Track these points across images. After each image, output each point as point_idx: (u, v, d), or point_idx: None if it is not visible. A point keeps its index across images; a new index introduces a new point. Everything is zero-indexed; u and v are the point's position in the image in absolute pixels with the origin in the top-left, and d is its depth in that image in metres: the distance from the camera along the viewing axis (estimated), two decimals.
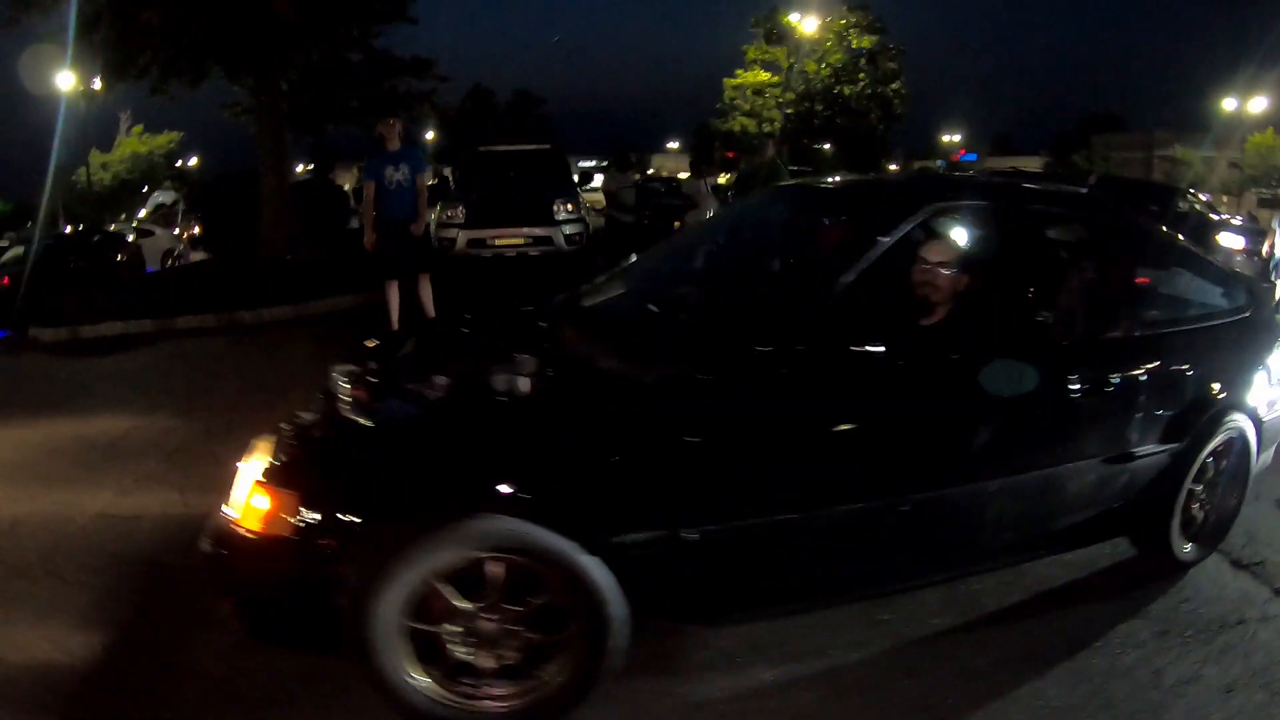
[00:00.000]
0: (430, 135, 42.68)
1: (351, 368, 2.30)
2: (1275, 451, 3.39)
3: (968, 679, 2.28)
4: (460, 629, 1.88)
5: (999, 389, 2.28)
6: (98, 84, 15.98)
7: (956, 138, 54.04)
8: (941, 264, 2.62)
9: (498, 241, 9.41)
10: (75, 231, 17.50)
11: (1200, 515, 3.00)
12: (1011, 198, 3.14)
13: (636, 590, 1.89)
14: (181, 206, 25.15)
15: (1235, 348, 3.03)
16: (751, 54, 36.06)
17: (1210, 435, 2.84)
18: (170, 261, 16.89)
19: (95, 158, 33.94)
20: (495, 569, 1.84)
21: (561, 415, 2.00)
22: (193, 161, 41.67)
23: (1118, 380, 2.58)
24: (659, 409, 1.99)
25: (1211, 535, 3.05)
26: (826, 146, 37.38)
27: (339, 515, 1.81)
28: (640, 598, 1.91)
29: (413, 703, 1.86)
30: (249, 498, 1.88)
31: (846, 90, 33.90)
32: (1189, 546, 2.95)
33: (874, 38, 33.68)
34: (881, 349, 2.17)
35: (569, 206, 9.69)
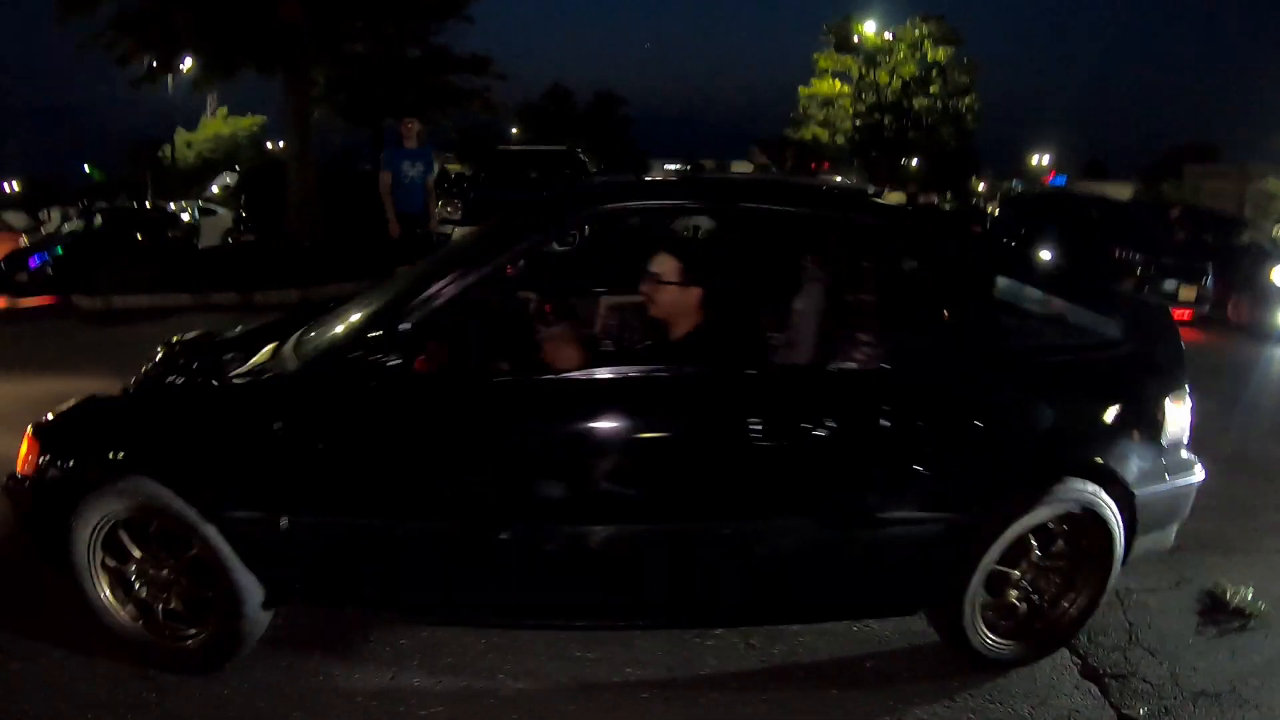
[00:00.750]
0: (514, 131, 43.95)
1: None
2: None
3: None
4: (135, 570, 2.29)
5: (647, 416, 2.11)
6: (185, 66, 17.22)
7: (1046, 159, 52.41)
8: (659, 277, 2.43)
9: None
10: (132, 207, 18.73)
11: (1023, 607, 2.44)
12: (721, 198, 2.63)
13: (255, 565, 2.18)
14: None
15: (1085, 393, 2.44)
16: (823, 63, 35.79)
17: (1027, 506, 2.28)
18: (228, 240, 17.94)
19: (181, 136, 36.23)
20: (152, 523, 2.23)
21: (193, 402, 2.39)
22: (282, 145, 43.84)
23: (843, 422, 2.15)
24: (251, 405, 2.25)
25: (1046, 634, 2.48)
26: (914, 163, 36.97)
27: (55, 462, 2.27)
28: (261, 574, 2.20)
29: (111, 622, 2.30)
30: (23, 447, 2.36)
31: (918, 103, 33.30)
32: (1003, 643, 2.42)
33: (949, 49, 32.97)
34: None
35: None
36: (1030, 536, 2.37)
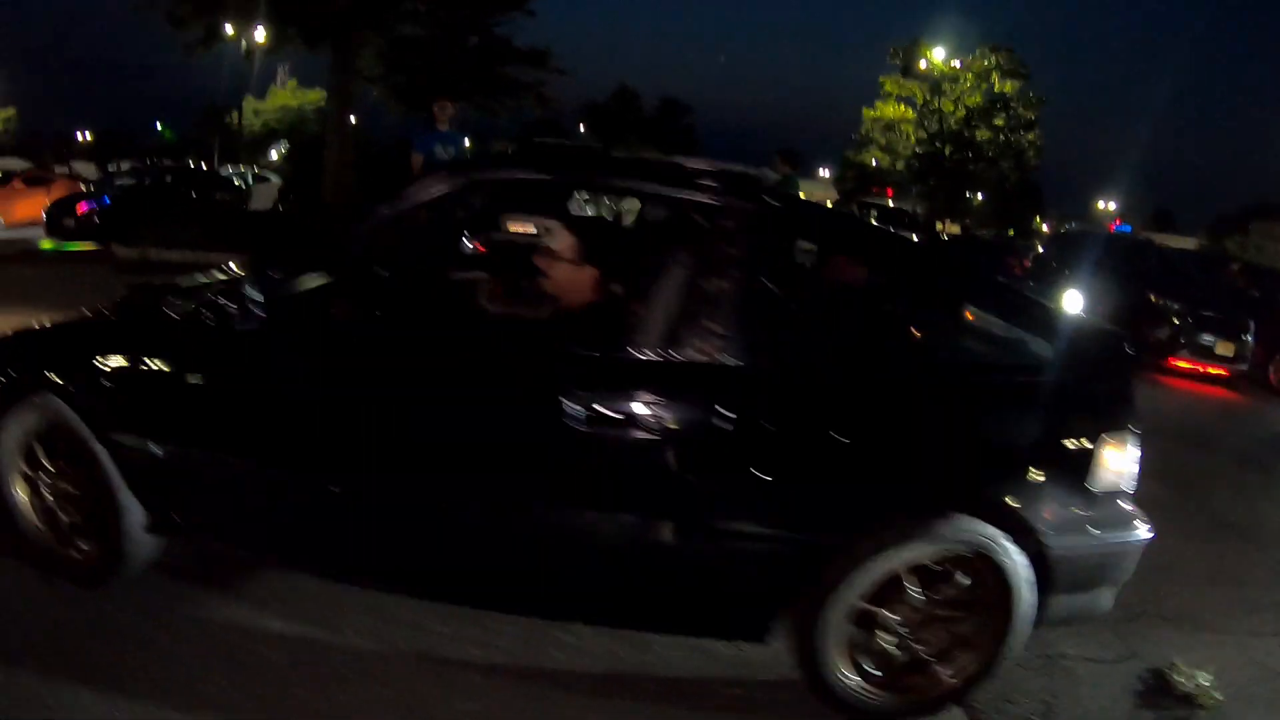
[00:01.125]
0: (581, 129, 44.81)
1: None
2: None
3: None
4: (45, 481, 2.43)
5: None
6: (260, 37, 17.95)
7: (1112, 205, 51.17)
8: (553, 252, 2.42)
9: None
10: (186, 166, 19.56)
11: (901, 655, 2.14)
12: (573, 171, 2.65)
13: (137, 489, 2.28)
14: None
15: (989, 419, 2.20)
16: (888, 86, 35.41)
17: (900, 539, 2.04)
18: (277, 206, 18.62)
19: (249, 104, 37.54)
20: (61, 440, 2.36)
21: (96, 334, 2.51)
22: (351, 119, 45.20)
23: (671, 416, 2.01)
24: (138, 340, 2.37)
25: (930, 691, 2.18)
26: (978, 197, 36.46)
27: None
28: (143, 498, 2.29)
29: (23, 526, 2.45)
30: None
31: (980, 135, 32.72)
32: (875, 692, 2.14)
33: (1016, 83, 32.33)
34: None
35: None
36: (907, 576, 2.07)
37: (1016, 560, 2.06)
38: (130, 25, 12.14)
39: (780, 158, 7.77)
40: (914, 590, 2.09)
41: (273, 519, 2.34)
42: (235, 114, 33.99)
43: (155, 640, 2.23)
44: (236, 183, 19.27)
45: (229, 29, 12.31)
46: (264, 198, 18.65)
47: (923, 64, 33.16)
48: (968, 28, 32.69)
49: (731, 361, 2.05)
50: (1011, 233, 35.76)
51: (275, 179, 20.78)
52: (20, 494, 2.46)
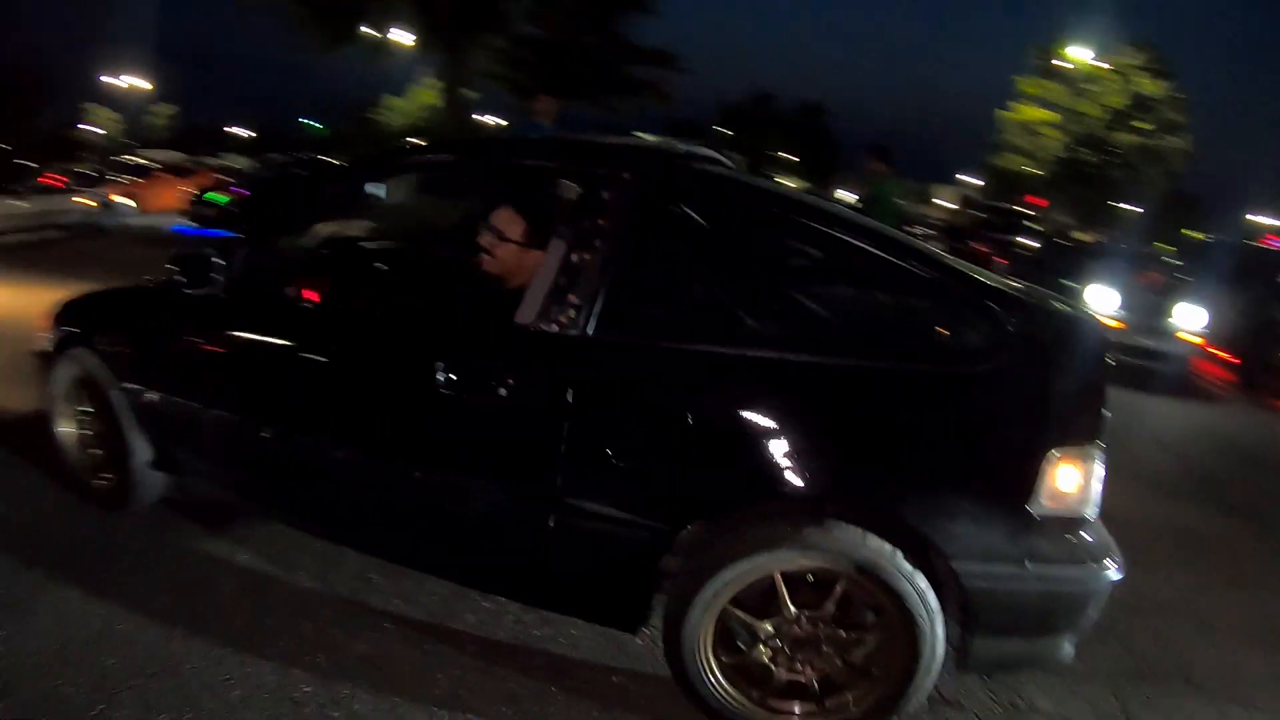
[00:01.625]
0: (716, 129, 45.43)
1: None
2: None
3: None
4: (81, 419, 2.96)
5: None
6: (409, 40, 19.16)
7: (1271, 221, 46.01)
8: (499, 232, 2.44)
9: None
10: (319, 159, 21.18)
11: (777, 671, 1.99)
12: (481, 155, 2.76)
13: (145, 429, 2.72)
14: None
15: (885, 415, 1.90)
16: (1026, 88, 33.36)
17: (768, 544, 1.87)
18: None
19: (395, 103, 40.07)
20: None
21: (120, 299, 3.03)
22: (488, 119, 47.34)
23: (518, 384, 1.99)
24: (142, 304, 2.90)
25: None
26: (1126, 205, 34.01)
27: (53, 332, 2.98)
28: (150, 438, 2.73)
29: (66, 459, 3.02)
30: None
31: (1124, 139, 30.26)
32: (748, 707, 2.01)
33: (1161, 84, 29.61)
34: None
35: None
36: (784, 585, 1.91)
37: (916, 585, 1.81)
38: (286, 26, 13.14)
39: (870, 155, 6.66)
40: (790, 604, 1.92)
41: (227, 461, 2.72)
42: (378, 111, 36.54)
43: (141, 558, 2.66)
44: None
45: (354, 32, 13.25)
46: (399, 192, 19.97)
47: (1062, 64, 31.01)
48: (1112, 26, 29.97)
49: (588, 334, 1.98)
50: (1158, 245, 32.93)
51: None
52: (65, 431, 2.99)
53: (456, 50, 13.65)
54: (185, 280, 2.55)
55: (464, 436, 2.12)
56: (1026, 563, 1.82)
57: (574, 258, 2.04)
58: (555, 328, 2.00)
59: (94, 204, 12.86)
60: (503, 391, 2.00)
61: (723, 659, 1.99)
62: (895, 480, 1.87)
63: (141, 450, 2.76)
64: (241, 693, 2.05)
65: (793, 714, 1.98)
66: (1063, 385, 1.88)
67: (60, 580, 2.45)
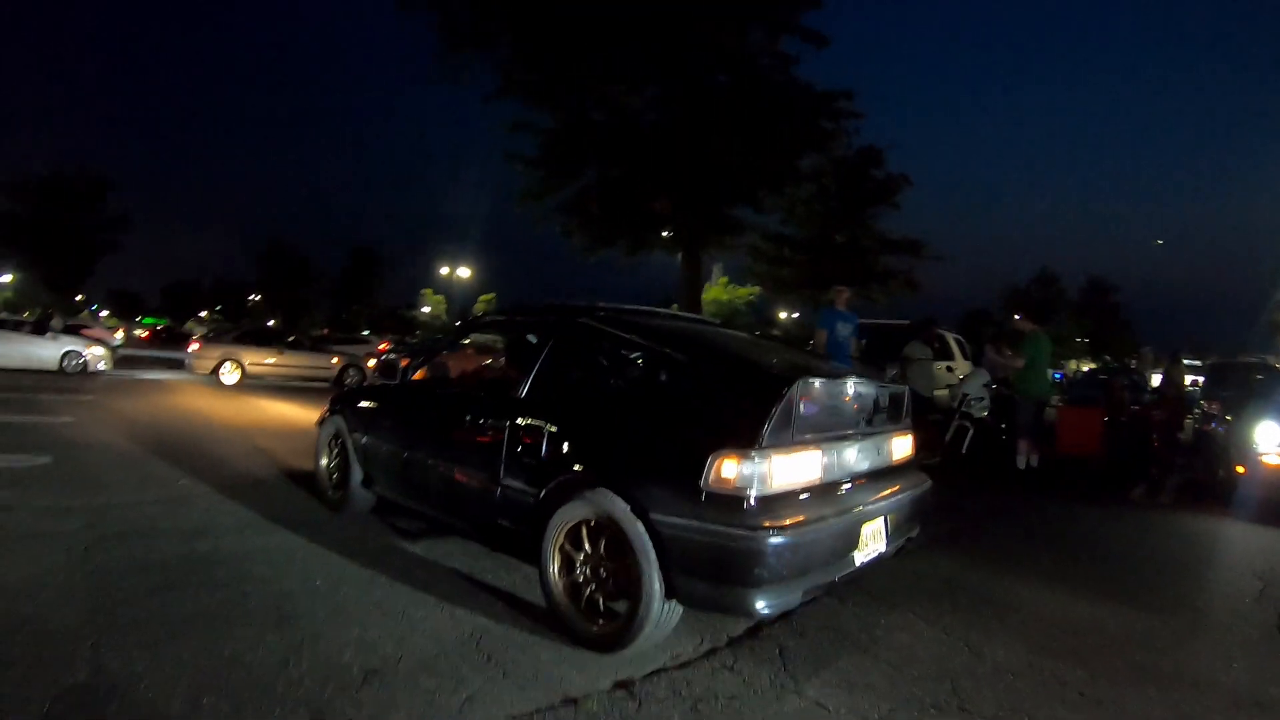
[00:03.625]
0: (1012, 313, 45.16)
1: None
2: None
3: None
4: (330, 455, 5.35)
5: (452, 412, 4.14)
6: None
7: None
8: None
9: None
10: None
11: (584, 585, 3.20)
12: (507, 325, 4.94)
13: (360, 460, 4.92)
14: None
15: (621, 429, 3.27)
16: None
17: (570, 500, 3.20)
18: None
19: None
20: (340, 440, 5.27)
21: (356, 390, 5.39)
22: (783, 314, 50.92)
23: (487, 412, 3.78)
24: (362, 393, 5.18)
25: (605, 620, 3.11)
26: None
27: (326, 411, 5.44)
28: (361, 466, 4.90)
29: (317, 482, 5.43)
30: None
31: None
32: (570, 608, 3.21)
33: None
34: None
35: (894, 373, 10.67)
36: (583, 527, 3.17)
37: (638, 530, 2.93)
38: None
39: (1022, 317, 8.84)
40: (588, 540, 3.15)
41: (390, 474, 4.67)
42: (675, 307, 41.67)
43: (349, 534, 4.69)
44: None
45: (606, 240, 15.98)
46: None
47: None
48: None
49: (523, 396, 3.70)
50: None
51: None
52: (322, 463, 5.31)
53: (694, 254, 16.15)
54: (383, 377, 4.84)
55: (478, 452, 3.78)
56: (698, 521, 2.81)
57: (529, 366, 3.86)
58: (511, 394, 3.81)
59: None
60: (496, 423, 3.75)
61: (563, 579, 3.27)
62: (627, 467, 3.10)
63: (357, 474, 4.94)
64: (409, 613, 3.76)
65: (595, 618, 3.15)
66: (730, 408, 3.04)
67: (316, 541, 4.49)
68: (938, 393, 9.91)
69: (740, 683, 2.95)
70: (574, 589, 3.25)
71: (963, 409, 9.40)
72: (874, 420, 3.50)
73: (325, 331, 49.75)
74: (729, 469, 2.80)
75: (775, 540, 2.75)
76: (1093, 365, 42.96)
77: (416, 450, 4.32)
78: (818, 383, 3.13)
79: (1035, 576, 4.51)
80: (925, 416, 8.93)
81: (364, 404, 5.00)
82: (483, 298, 65.90)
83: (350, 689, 2.69)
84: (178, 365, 18.11)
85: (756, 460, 2.80)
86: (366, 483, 4.87)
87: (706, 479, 2.82)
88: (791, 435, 2.93)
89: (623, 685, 2.86)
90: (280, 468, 6.65)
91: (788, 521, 2.81)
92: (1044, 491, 7.62)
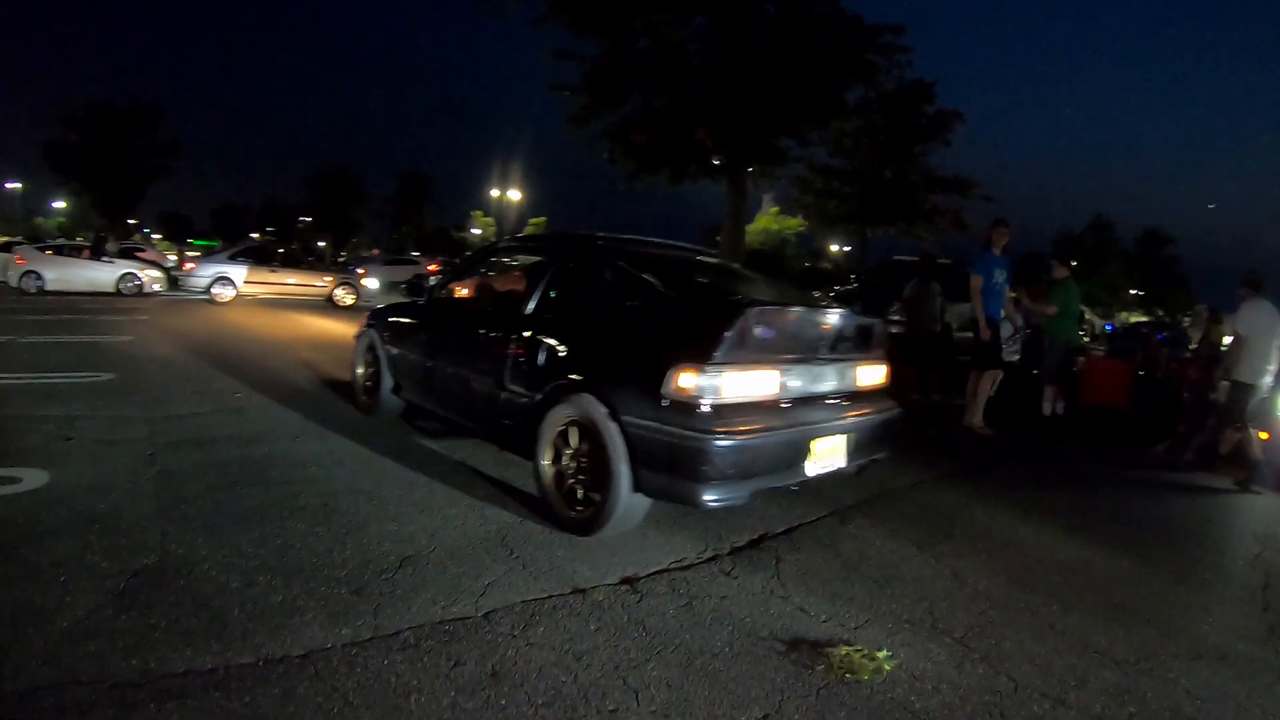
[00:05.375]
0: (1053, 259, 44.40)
1: None
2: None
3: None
4: (366, 362, 5.77)
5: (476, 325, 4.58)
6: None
7: None
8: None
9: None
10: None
11: (570, 474, 3.65)
12: (521, 250, 5.26)
13: (390, 371, 5.38)
14: None
15: (599, 345, 3.73)
16: None
17: (559, 403, 3.66)
18: None
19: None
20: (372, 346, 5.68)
21: (390, 306, 5.74)
22: (834, 247, 50.21)
23: (492, 334, 4.27)
24: (397, 307, 5.57)
25: (582, 505, 3.57)
26: None
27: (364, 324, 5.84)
28: (391, 375, 5.38)
29: (353, 385, 5.85)
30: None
31: None
32: (556, 495, 3.70)
33: None
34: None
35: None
36: (569, 428, 3.63)
37: (610, 429, 3.37)
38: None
39: (1056, 263, 8.72)
40: (574, 438, 3.61)
41: (415, 381, 5.15)
42: (719, 237, 41.27)
43: (378, 434, 5.15)
44: None
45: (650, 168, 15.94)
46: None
47: None
48: None
49: (528, 313, 4.18)
50: None
51: None
52: (357, 371, 5.79)
53: (739, 182, 16.07)
54: (411, 295, 5.24)
55: (488, 362, 4.26)
56: (657, 423, 3.23)
57: (534, 287, 4.30)
58: (528, 311, 4.23)
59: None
60: (504, 336, 4.21)
61: (551, 470, 3.74)
62: (606, 376, 3.52)
63: (386, 382, 5.40)
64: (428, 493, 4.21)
65: (574, 505, 3.61)
66: (686, 334, 3.37)
67: (352, 438, 5.02)
68: (959, 335, 9.88)
69: (734, 585, 3.26)
70: (559, 478, 3.73)
71: None
72: (838, 348, 3.77)
73: (374, 251, 50.36)
74: (686, 380, 3.20)
75: (722, 443, 3.14)
76: (1144, 318, 41.81)
77: (438, 360, 4.77)
78: (773, 310, 3.52)
79: (1037, 517, 4.69)
80: (929, 355, 9.07)
81: (394, 319, 5.42)
82: (533, 220, 65.62)
83: (387, 573, 3.06)
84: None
85: (710, 374, 3.20)
86: (396, 390, 5.34)
87: (667, 388, 3.23)
88: (746, 355, 3.32)
89: (627, 580, 3.20)
90: (324, 379, 7.20)
91: (737, 429, 3.20)
92: (1064, 439, 7.70)
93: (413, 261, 30.19)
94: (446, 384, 4.72)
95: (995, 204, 23.62)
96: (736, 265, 5.47)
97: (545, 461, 3.76)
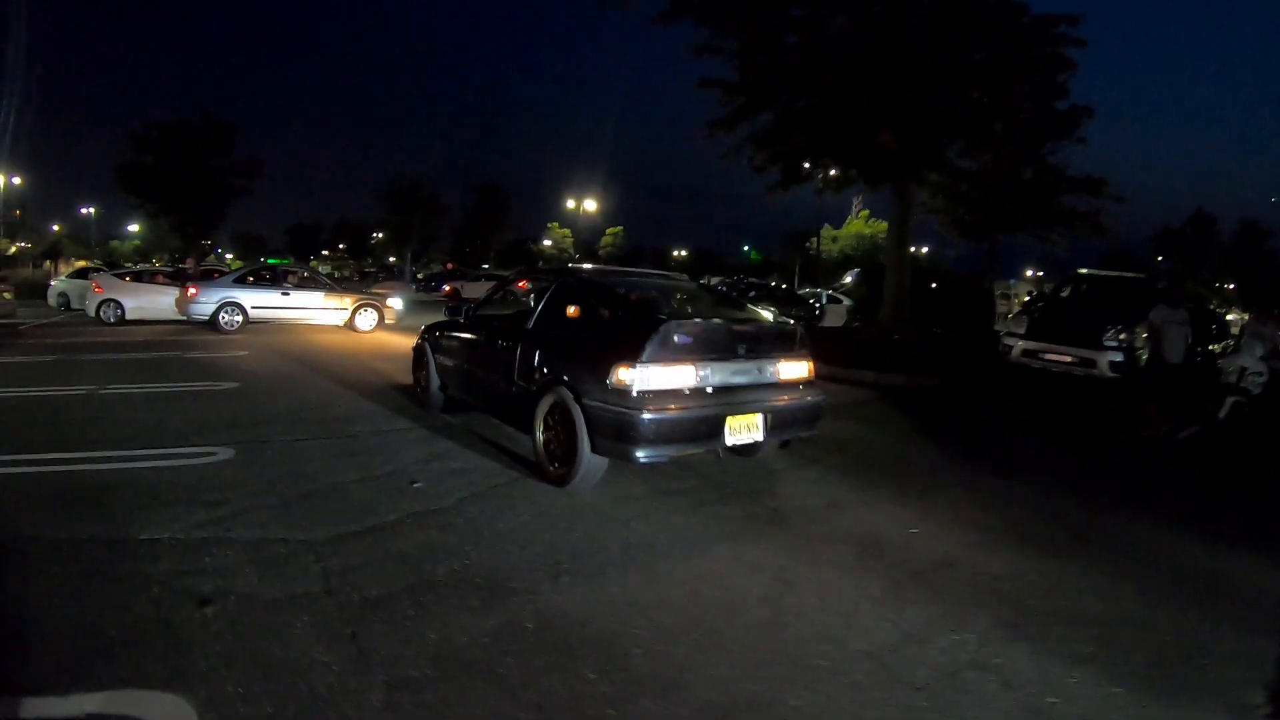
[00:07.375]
0: (1159, 259, 41.59)
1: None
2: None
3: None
4: (422, 370, 6.95)
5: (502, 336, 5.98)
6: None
7: None
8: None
9: (1046, 356, 11.10)
10: (766, 286, 23.70)
11: (553, 443, 5.10)
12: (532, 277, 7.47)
13: (440, 376, 7.03)
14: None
15: (572, 353, 5.08)
16: None
17: (549, 392, 5.07)
18: (847, 325, 21.26)
19: (826, 232, 44.04)
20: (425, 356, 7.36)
21: (441, 322, 7.36)
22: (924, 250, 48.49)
23: (505, 337, 5.79)
24: (444, 324, 7.27)
25: (561, 466, 4.96)
26: None
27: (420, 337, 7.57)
28: (441, 381, 7.02)
29: (416, 384, 6.28)
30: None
31: None
32: (544, 459, 5.11)
33: None
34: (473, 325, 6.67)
35: (1121, 336, 10.49)
36: (553, 409, 5.11)
37: (576, 410, 4.87)
38: (715, 161, 15.90)
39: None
40: (555, 416, 5.17)
41: (456, 382, 6.78)
42: (815, 241, 40.27)
43: (425, 421, 6.75)
44: (811, 302, 22.93)
45: (801, 174, 15.20)
46: (834, 317, 21.98)
47: None
48: None
49: (530, 328, 5.87)
50: None
51: (847, 301, 23.88)
52: (418, 375, 7.59)
53: (903, 187, 15.17)
54: (451, 314, 6.91)
55: (502, 363, 5.88)
56: (605, 404, 4.70)
57: (534, 308, 6.06)
58: (529, 326, 6.04)
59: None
60: (513, 345, 5.87)
61: (541, 439, 5.30)
62: (576, 374, 5.01)
63: (435, 382, 7.14)
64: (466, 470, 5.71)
65: (554, 464, 5.14)
66: (623, 342, 4.72)
67: (416, 424, 6.67)
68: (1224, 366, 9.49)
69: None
70: (546, 445, 5.28)
71: (1240, 384, 8.99)
72: (755, 350, 5.16)
73: (449, 266, 50.67)
74: (623, 374, 4.68)
75: (647, 417, 4.56)
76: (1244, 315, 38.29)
77: (470, 363, 6.51)
78: (689, 324, 4.95)
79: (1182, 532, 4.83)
80: (1175, 388, 8.30)
81: (439, 333, 7.19)
82: (610, 230, 65.53)
83: (426, 501, 4.66)
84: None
85: (639, 369, 4.64)
86: (442, 387, 7.15)
87: (611, 380, 4.70)
88: (667, 355, 4.71)
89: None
90: (391, 383, 9.00)
91: (666, 408, 4.63)
92: None
93: (496, 277, 30.24)
94: (475, 381, 6.48)
95: (1126, 205, 21.77)
96: (694, 285, 7.17)
97: (539, 434, 5.34)
